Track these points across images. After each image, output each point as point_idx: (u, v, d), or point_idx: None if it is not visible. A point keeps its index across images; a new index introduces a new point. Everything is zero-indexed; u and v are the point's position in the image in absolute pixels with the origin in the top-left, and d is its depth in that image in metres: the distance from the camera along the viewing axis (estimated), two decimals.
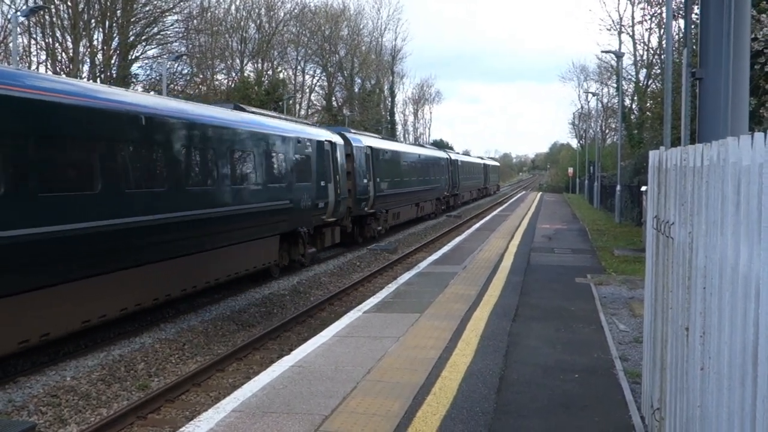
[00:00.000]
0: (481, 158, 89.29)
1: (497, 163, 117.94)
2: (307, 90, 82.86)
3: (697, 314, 4.50)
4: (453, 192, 55.24)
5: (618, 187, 38.22)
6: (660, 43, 44.28)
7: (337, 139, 26.30)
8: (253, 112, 20.74)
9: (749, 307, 3.30)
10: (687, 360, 4.82)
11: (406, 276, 17.31)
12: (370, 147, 30.86)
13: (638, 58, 55.13)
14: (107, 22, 45.50)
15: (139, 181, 13.89)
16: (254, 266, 19.06)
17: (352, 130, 31.70)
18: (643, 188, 24.26)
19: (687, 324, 4.82)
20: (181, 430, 7.02)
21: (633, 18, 56.20)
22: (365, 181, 29.56)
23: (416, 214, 40.57)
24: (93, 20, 45.41)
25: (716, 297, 3.98)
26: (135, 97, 15.26)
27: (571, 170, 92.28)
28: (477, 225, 35.10)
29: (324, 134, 25.03)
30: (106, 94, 13.63)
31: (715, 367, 3.97)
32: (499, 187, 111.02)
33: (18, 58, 35.88)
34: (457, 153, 70.77)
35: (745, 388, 3.34)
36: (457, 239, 27.13)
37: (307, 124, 25.77)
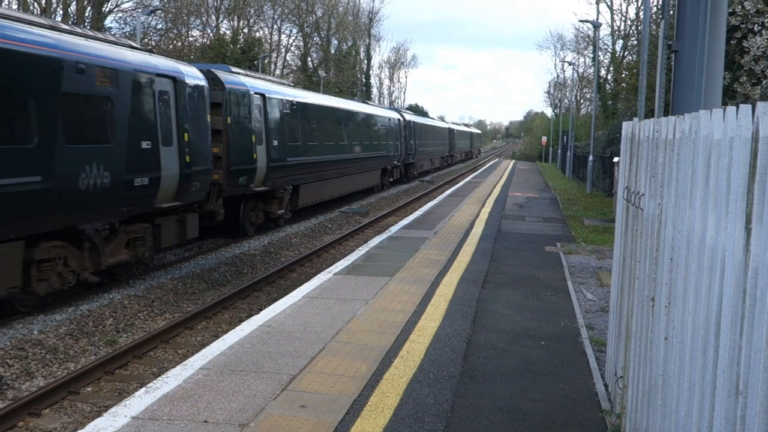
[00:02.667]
0: (461, 124, 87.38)
1: (478, 131, 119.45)
2: (283, 50, 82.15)
3: (663, 285, 4.57)
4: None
5: (590, 158, 38.43)
6: (637, 14, 44.39)
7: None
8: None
9: (714, 278, 3.35)
10: (651, 330, 4.90)
11: (377, 239, 17.35)
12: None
13: (615, 29, 55.22)
14: None
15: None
16: None
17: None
18: (615, 159, 24.43)
19: (653, 294, 4.89)
20: (148, 386, 7.03)
21: None
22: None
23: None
24: None
25: (682, 268, 4.04)
26: (333, 100, 28.93)
27: (544, 139, 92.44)
28: (449, 191, 35.17)
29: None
30: (325, 101, 27.74)
31: (679, 337, 4.04)
32: (480, 151, 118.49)
33: None
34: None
35: (707, 358, 3.41)
36: (429, 204, 27.18)
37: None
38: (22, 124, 11.39)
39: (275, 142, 22.26)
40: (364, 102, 40.03)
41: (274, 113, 22.54)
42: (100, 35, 14.41)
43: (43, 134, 11.68)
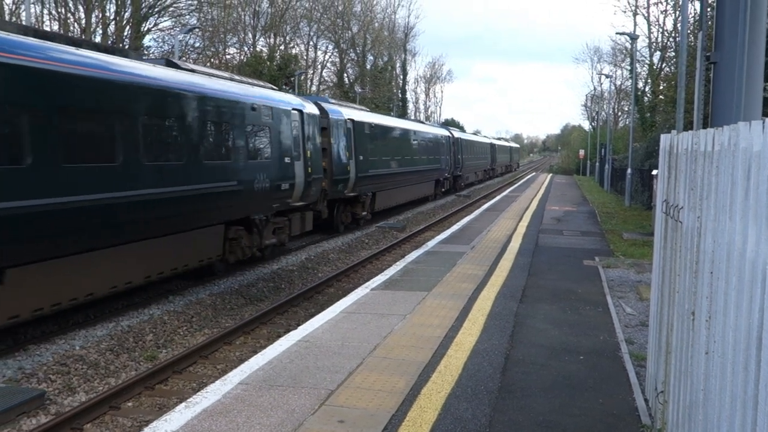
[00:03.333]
0: (500, 138, 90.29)
1: (516, 145, 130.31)
2: (319, 66, 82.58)
3: (703, 299, 4.52)
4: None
5: (629, 170, 38.12)
6: (675, 25, 44.03)
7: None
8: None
9: (755, 292, 3.32)
10: (692, 344, 4.85)
11: (414, 254, 17.35)
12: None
13: (653, 41, 54.77)
14: None
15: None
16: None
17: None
18: (654, 172, 24.21)
19: (693, 308, 4.85)
20: (188, 401, 7.10)
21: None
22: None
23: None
24: None
25: (723, 282, 4.00)
26: (400, 122, 36.96)
27: (582, 152, 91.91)
28: (486, 205, 35.08)
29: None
30: (394, 123, 33.67)
31: (720, 351, 4.00)
32: (519, 164, 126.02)
33: None
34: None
35: (749, 373, 3.37)
36: (466, 219, 27.13)
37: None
38: (232, 148, 16.84)
39: (361, 158, 27.44)
40: (421, 122, 47.27)
41: (360, 134, 27.60)
42: (256, 82, 20.33)
43: (238, 154, 17.03)
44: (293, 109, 20.66)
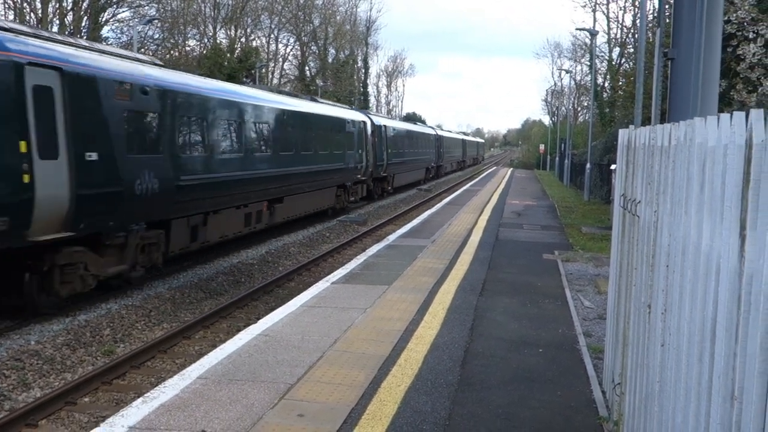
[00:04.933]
0: (465, 134, 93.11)
1: (482, 140, 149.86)
2: (281, 59, 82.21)
3: (659, 292, 4.58)
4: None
5: (588, 165, 38.46)
6: (634, 22, 44.50)
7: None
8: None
9: (709, 285, 3.36)
10: (648, 336, 4.91)
11: (375, 248, 17.36)
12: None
13: (612, 37, 55.27)
14: None
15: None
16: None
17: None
18: (613, 167, 24.45)
19: (649, 301, 4.90)
20: (146, 396, 7.03)
21: None
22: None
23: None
24: None
25: (678, 275, 4.05)
26: (412, 126, 53.68)
27: (542, 147, 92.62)
28: (447, 199, 35.21)
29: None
30: (407, 126, 50.33)
31: (675, 344, 4.06)
32: (483, 157, 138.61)
33: None
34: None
35: (703, 364, 3.42)
36: (427, 213, 27.21)
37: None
38: (341, 145, 30.40)
39: (389, 150, 40.72)
40: (423, 123, 69.30)
41: (387, 134, 40.48)
42: (344, 106, 36.15)
43: (342, 148, 30.54)
44: (361, 121, 34.63)
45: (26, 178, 11.28)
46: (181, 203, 16.28)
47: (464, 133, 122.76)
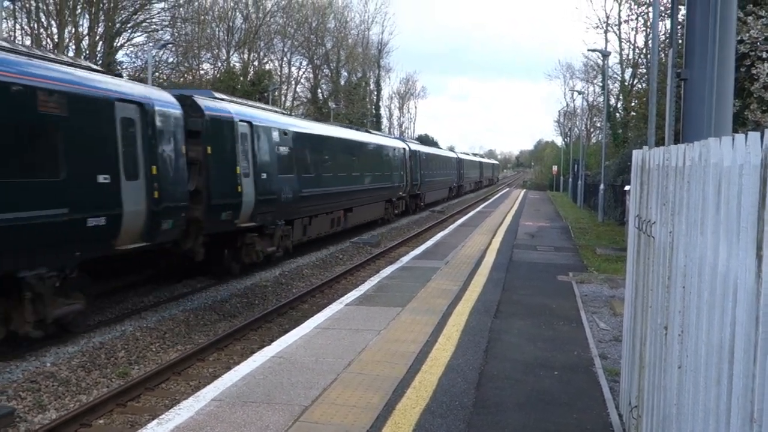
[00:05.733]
0: (478, 155, 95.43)
1: (497, 162, 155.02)
2: (293, 82, 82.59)
3: (676, 313, 4.55)
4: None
5: (602, 186, 38.38)
6: (646, 42, 44.49)
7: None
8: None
9: (727, 306, 3.35)
10: (665, 358, 4.88)
11: (388, 270, 17.34)
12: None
13: (624, 58, 55.29)
14: (93, 8, 45.15)
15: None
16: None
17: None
18: (627, 187, 24.38)
19: (666, 323, 4.88)
20: (160, 418, 7.03)
21: (620, 17, 56.27)
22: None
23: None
24: (79, 5, 45.08)
25: (695, 296, 4.03)
26: (438, 151, 65.85)
27: (555, 168, 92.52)
28: (460, 221, 35.18)
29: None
30: (435, 151, 61.14)
31: (693, 366, 4.03)
32: (498, 178, 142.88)
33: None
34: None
35: (721, 387, 3.39)
36: (440, 234, 27.18)
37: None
38: (388, 167, 38.03)
39: (422, 172, 47.38)
40: (450, 149, 79.76)
41: (420, 158, 47.12)
42: (389, 135, 54.08)
43: (391, 170, 38.31)
44: (401, 147, 41.81)
45: (238, 189, 18.71)
46: (301, 208, 23.63)
47: (478, 155, 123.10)
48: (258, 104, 25.13)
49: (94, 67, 15.11)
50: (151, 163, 14.66)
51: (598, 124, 73.18)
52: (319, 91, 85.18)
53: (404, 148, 42.97)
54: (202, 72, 63.73)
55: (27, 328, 11.75)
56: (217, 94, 20.32)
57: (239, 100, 21.94)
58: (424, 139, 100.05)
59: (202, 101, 18.06)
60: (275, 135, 21.72)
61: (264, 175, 20.43)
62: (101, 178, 13.12)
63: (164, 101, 15.77)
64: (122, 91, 14.19)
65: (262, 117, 21.29)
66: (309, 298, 17.99)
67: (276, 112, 25.00)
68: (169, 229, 15.32)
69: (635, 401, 6.24)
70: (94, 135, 13.15)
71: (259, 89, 59.85)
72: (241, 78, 61.24)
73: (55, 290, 12.16)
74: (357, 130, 38.01)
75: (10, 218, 10.94)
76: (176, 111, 16.16)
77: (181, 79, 55.76)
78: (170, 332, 14.10)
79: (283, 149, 22.33)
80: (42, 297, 11.84)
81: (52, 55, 14.09)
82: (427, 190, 50.39)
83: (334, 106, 78.02)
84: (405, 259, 19.56)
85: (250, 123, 19.80)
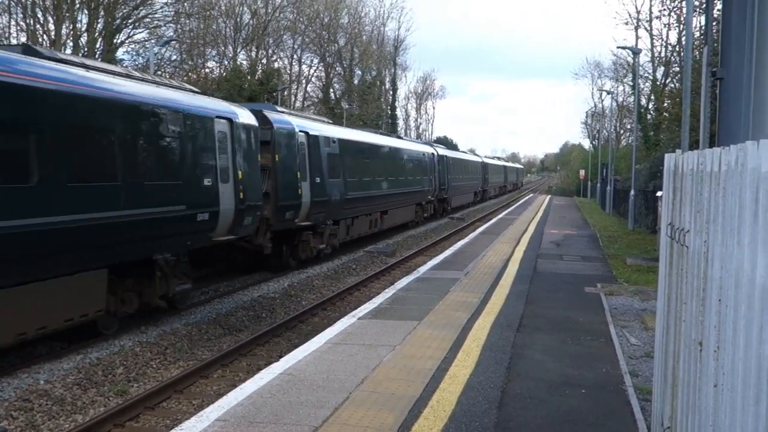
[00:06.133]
0: (500, 159, 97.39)
1: (521, 166, 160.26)
2: (304, 81, 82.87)
3: (711, 328, 4.53)
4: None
5: (632, 192, 38.24)
6: (679, 39, 44.34)
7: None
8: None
9: (765, 320, 3.32)
10: (700, 376, 4.85)
11: (404, 281, 17.34)
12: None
13: (656, 55, 55.18)
14: (92, 3, 45.42)
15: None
16: None
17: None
18: (659, 193, 24.30)
19: (700, 338, 4.85)
20: None
21: (651, 12, 55.90)
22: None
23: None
24: (77, 0, 45.37)
25: (732, 310, 4.01)
26: (462, 155, 68.22)
27: (582, 173, 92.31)
28: (481, 228, 35.15)
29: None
30: (458, 155, 63.83)
31: (729, 384, 4.00)
32: (522, 183, 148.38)
33: None
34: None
35: (760, 407, 3.37)
36: (460, 243, 27.17)
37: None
38: (417, 173, 41.22)
39: (450, 176, 50.97)
40: (475, 154, 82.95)
41: (447, 163, 50.57)
42: (415, 140, 58.27)
43: (422, 175, 42.63)
44: (430, 152, 45.41)
45: (298, 191, 22.66)
46: (346, 210, 27.56)
47: (500, 158, 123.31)
48: (308, 114, 31.34)
49: (194, 88, 18.95)
50: (237, 168, 18.26)
51: (629, 126, 73.07)
52: (331, 90, 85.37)
53: (433, 153, 47.13)
54: (207, 70, 64.03)
55: (156, 300, 15.60)
56: (278, 108, 25.12)
57: (295, 113, 27.09)
58: (444, 142, 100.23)
59: (271, 115, 22.13)
60: (325, 143, 25.76)
61: (317, 180, 24.44)
62: (206, 182, 16.84)
63: (245, 116, 19.48)
64: (218, 108, 18.08)
65: (315, 127, 25.55)
66: (319, 311, 18.01)
67: (323, 121, 29.18)
68: (249, 225, 19.05)
69: (668, 422, 6.20)
70: (201, 146, 16.80)
71: (267, 89, 60.04)
72: (249, 77, 61.43)
73: (173, 271, 15.87)
74: (389, 136, 42.31)
75: (150, 213, 14.62)
76: (254, 124, 19.91)
77: (185, 78, 56.01)
78: (171, 347, 14.14)
79: (332, 156, 26.27)
80: (166, 276, 15.61)
81: (165, 80, 18.51)
82: (453, 195, 54.45)
83: (347, 106, 78.11)
84: (422, 269, 19.55)
85: (306, 133, 23.98)
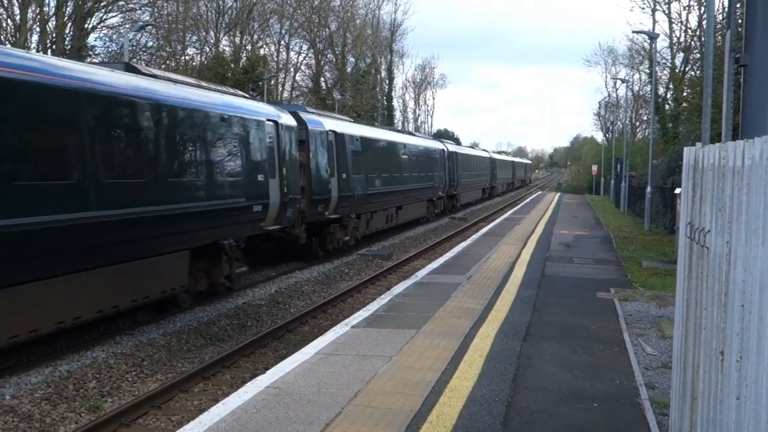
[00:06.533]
0: (508, 154, 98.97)
1: (530, 162, 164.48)
2: (292, 69, 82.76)
3: (733, 336, 4.54)
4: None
5: (648, 189, 38.23)
6: (700, 23, 44.43)
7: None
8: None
9: None
10: (721, 388, 4.86)
11: (401, 286, 17.35)
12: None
13: (674, 41, 55.27)
14: None
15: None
16: None
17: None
18: (677, 190, 24.33)
19: (722, 347, 4.86)
20: None
21: None
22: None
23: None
24: None
25: (756, 316, 4.02)
26: (470, 150, 74.05)
27: (594, 168, 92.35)
28: (485, 229, 35.20)
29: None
30: (467, 151, 67.58)
31: (753, 397, 4.01)
32: (531, 179, 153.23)
33: None
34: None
35: None
36: (462, 245, 27.19)
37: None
38: (425, 169, 43.87)
39: (459, 173, 54.63)
40: (483, 149, 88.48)
41: (457, 159, 54.14)
42: (426, 136, 60.30)
43: (432, 171, 46.05)
44: (441, 149, 48.95)
45: (329, 186, 26.46)
46: (367, 204, 31.29)
47: (507, 153, 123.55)
48: (334, 114, 36.07)
49: (241, 93, 23.27)
50: (281, 165, 21.84)
51: (645, 117, 73.29)
52: (322, 79, 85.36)
53: (443, 149, 51.49)
54: (186, 58, 63.94)
55: (222, 280, 18.94)
56: (309, 109, 30.03)
57: (324, 113, 31.72)
58: (444, 135, 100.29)
59: (305, 116, 26.01)
60: (349, 141, 29.64)
61: (344, 176, 28.21)
62: (259, 177, 20.31)
63: (287, 118, 23.26)
64: (266, 112, 21.78)
65: (341, 126, 29.58)
66: (309, 320, 18.00)
67: (345, 120, 33.57)
68: (290, 216, 22.64)
69: None
70: (256, 145, 20.32)
71: (252, 77, 60.08)
72: (232, 65, 61.46)
73: (234, 255, 19.24)
74: (403, 133, 48.72)
75: (221, 204, 18.20)
76: (294, 125, 23.74)
77: (162, 66, 55.92)
78: (149, 359, 14.12)
79: (355, 153, 30.15)
80: (230, 259, 19.07)
81: (224, 87, 22.35)
82: (462, 191, 59.04)
83: (339, 97, 78.11)
84: (421, 273, 19.57)
85: (334, 132, 27.89)
